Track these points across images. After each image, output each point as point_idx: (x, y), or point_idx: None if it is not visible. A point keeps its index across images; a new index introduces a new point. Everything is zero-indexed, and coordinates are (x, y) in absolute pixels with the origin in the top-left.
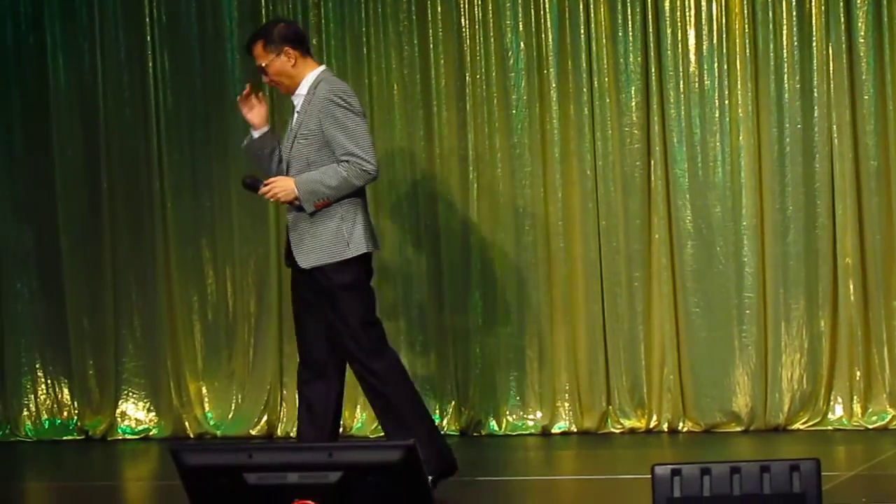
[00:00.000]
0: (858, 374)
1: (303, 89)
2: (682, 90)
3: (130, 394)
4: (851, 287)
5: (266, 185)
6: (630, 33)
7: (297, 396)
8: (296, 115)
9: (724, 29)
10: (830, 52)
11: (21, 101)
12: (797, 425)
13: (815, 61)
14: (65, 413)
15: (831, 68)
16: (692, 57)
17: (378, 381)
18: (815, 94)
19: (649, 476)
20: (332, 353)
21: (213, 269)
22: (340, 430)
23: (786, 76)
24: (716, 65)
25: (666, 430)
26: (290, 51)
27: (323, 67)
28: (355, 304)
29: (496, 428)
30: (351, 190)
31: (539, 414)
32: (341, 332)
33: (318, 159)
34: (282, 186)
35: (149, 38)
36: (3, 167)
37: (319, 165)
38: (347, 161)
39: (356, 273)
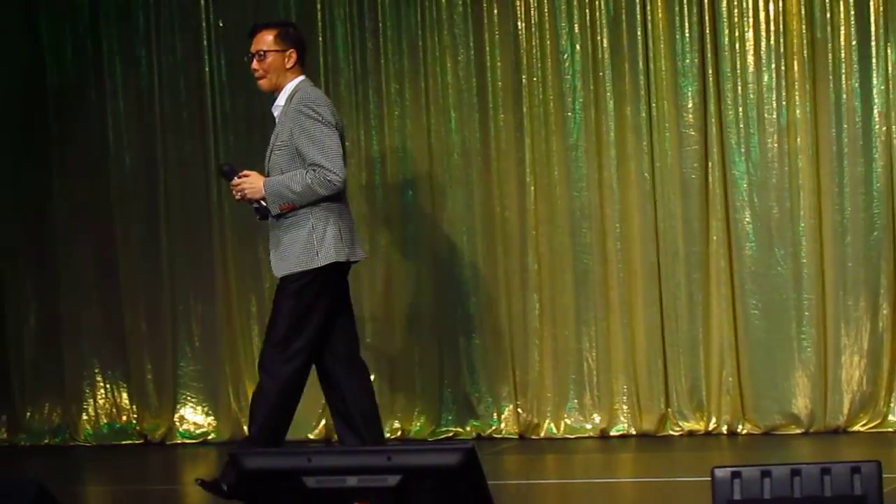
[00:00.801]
0: None
1: (281, 99)
2: (739, 91)
3: (189, 398)
4: None
5: (239, 177)
6: (687, 34)
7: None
8: (276, 125)
9: (781, 29)
10: (889, 52)
11: (79, 106)
12: (857, 427)
13: (873, 61)
14: (123, 417)
15: (889, 68)
16: (750, 58)
17: (260, 388)
18: (874, 95)
19: (709, 478)
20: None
21: (271, 273)
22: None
23: (843, 76)
24: (773, 65)
25: (725, 432)
26: (293, 54)
27: (302, 77)
28: (294, 315)
29: (554, 431)
30: (315, 198)
31: (597, 417)
32: (270, 329)
33: (290, 168)
34: (251, 183)
35: (205, 42)
36: (61, 173)
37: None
38: (314, 170)
39: (319, 286)
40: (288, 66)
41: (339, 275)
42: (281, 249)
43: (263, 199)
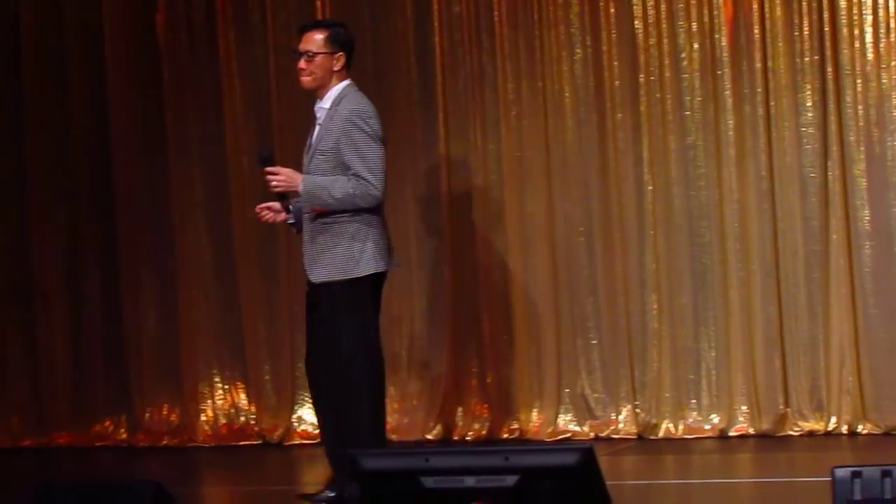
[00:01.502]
0: None
1: (326, 102)
2: (858, 89)
3: (307, 398)
4: None
5: (275, 168)
6: (806, 31)
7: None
8: (317, 127)
9: None
10: None
11: (194, 105)
12: None
13: None
14: (241, 418)
15: None
16: (869, 55)
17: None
18: None
19: (829, 478)
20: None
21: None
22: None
23: None
24: (893, 63)
25: (845, 432)
26: (342, 57)
27: (348, 81)
28: (352, 325)
29: (673, 431)
30: (353, 207)
31: (716, 417)
32: (331, 344)
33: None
34: (287, 177)
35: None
36: (180, 170)
37: None
38: (357, 181)
39: (362, 293)
40: (335, 68)
41: (376, 284)
42: (319, 253)
43: (296, 194)
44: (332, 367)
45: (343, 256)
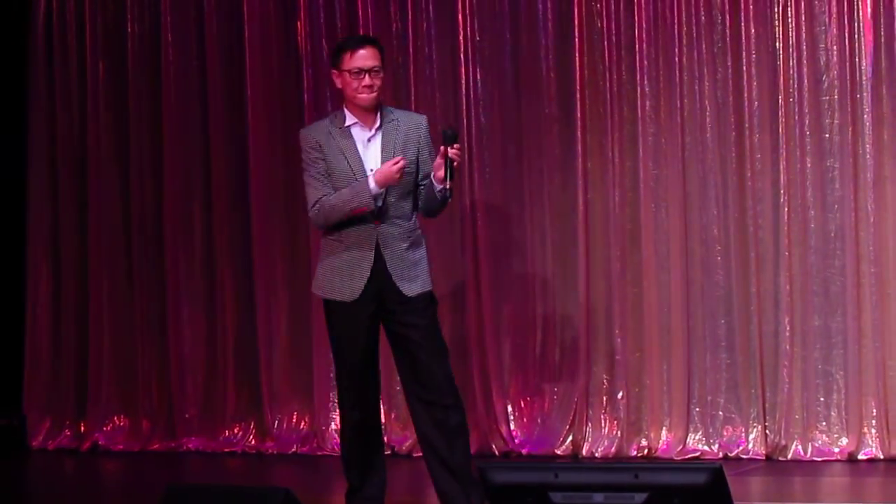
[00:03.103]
0: None
1: (378, 120)
2: None
3: None
4: None
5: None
6: None
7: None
8: (378, 137)
9: None
10: None
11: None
12: None
13: None
14: None
15: None
16: None
17: (451, 413)
18: None
19: None
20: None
21: (527, 288)
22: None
23: None
24: None
25: None
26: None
27: None
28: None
29: (802, 452)
30: (439, 210)
31: (845, 440)
32: (435, 359)
33: (413, 189)
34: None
35: (461, 55)
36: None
37: (412, 194)
38: None
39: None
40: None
41: None
42: (414, 265)
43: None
44: (445, 378)
45: (426, 268)
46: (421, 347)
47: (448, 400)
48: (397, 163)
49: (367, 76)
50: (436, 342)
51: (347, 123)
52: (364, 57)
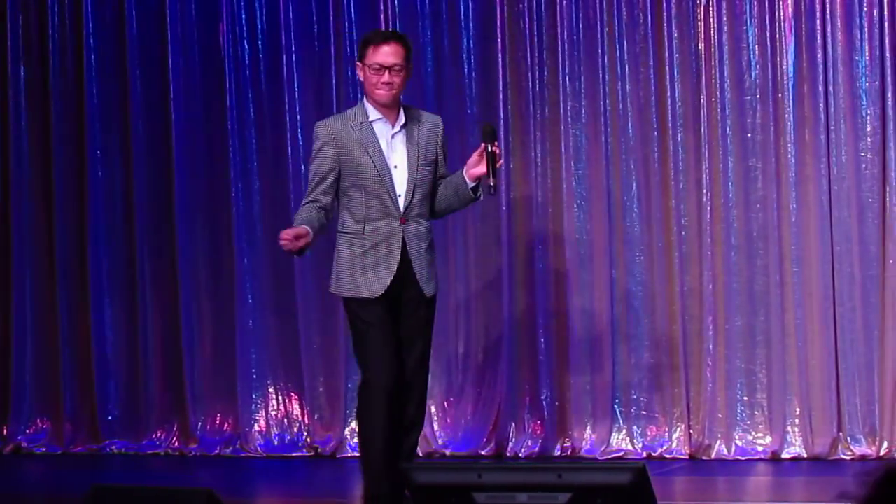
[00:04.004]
0: None
1: (402, 117)
2: None
3: None
4: None
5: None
6: (866, 56)
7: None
8: (402, 134)
9: None
10: None
11: (257, 118)
12: None
13: None
14: (295, 429)
15: None
16: None
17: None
18: None
19: None
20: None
21: (448, 288)
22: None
23: None
24: None
25: None
26: (411, 69)
27: None
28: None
29: (725, 452)
30: (458, 208)
31: (769, 439)
32: (424, 361)
33: (433, 186)
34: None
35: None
36: (243, 182)
37: (432, 194)
38: None
39: None
40: (407, 80)
41: None
42: (430, 265)
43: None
44: (417, 381)
45: (436, 271)
46: (413, 350)
47: (414, 417)
48: (282, 238)
49: (386, 73)
50: (426, 349)
51: (371, 118)
52: (386, 53)
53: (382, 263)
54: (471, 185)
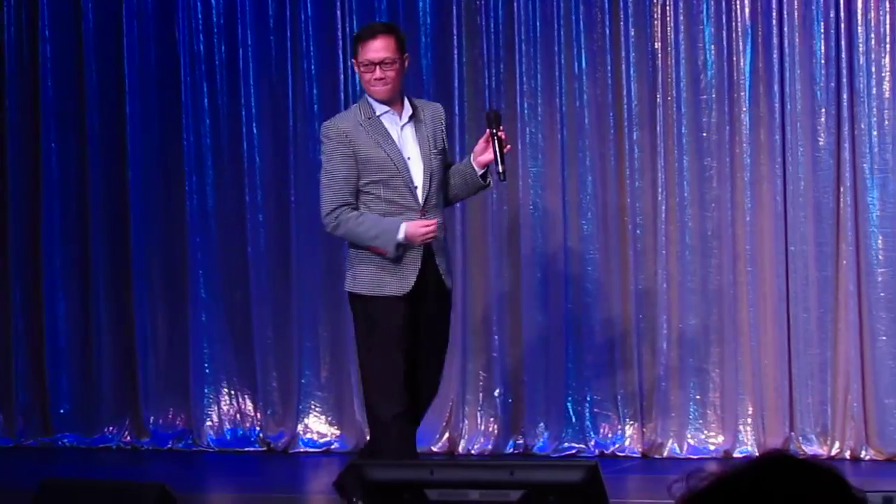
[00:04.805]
0: None
1: (409, 108)
2: (874, 116)
3: (314, 406)
4: None
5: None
6: (822, 57)
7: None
8: (410, 126)
9: None
10: None
11: (212, 112)
12: None
13: None
14: (247, 424)
15: None
16: (886, 84)
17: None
18: None
19: None
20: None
21: None
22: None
23: None
24: None
25: (848, 457)
26: (407, 58)
27: None
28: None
29: (677, 451)
30: (468, 195)
31: (721, 437)
32: (441, 351)
33: (445, 175)
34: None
35: (339, 51)
36: (197, 176)
37: (444, 183)
38: None
39: None
40: (403, 72)
41: None
42: (447, 259)
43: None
44: (432, 374)
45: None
46: (435, 348)
47: (423, 405)
48: (428, 225)
49: (377, 69)
50: (443, 344)
51: (378, 113)
52: (374, 49)
53: (406, 259)
54: (479, 172)
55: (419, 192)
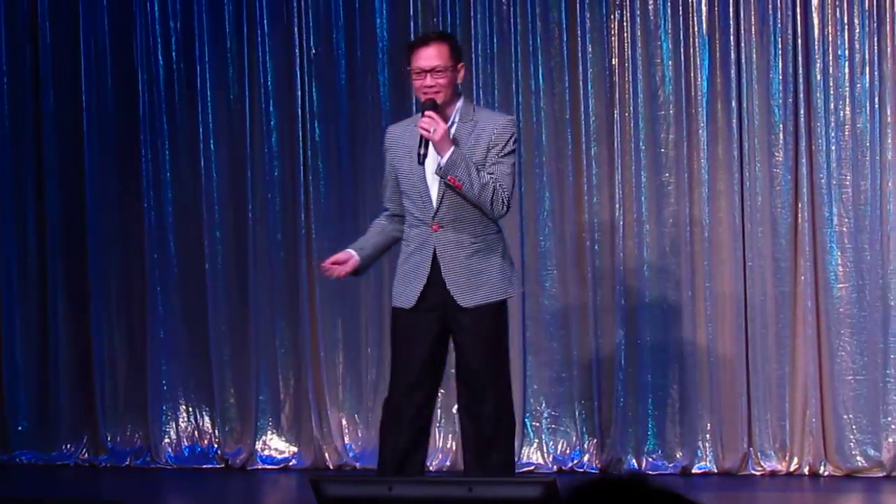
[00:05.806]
0: None
1: (455, 115)
2: (832, 132)
3: (271, 423)
4: None
5: (434, 116)
6: (780, 73)
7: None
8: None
9: (876, 71)
10: None
11: (170, 129)
12: None
13: None
14: (205, 441)
15: None
16: (843, 99)
17: (487, 423)
18: None
19: None
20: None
21: (356, 296)
22: None
23: None
24: (867, 106)
25: (807, 473)
26: (462, 67)
27: (462, 93)
28: (505, 348)
29: (636, 466)
30: (482, 203)
31: (679, 453)
32: (488, 372)
33: None
34: (441, 131)
35: (297, 68)
36: (154, 192)
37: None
38: (498, 185)
39: (507, 315)
40: (459, 80)
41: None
42: (476, 275)
43: (443, 151)
44: (484, 396)
45: (500, 275)
46: (472, 360)
47: (488, 431)
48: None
49: (427, 76)
50: (493, 357)
51: None
52: (425, 57)
53: (415, 273)
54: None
55: (431, 207)
